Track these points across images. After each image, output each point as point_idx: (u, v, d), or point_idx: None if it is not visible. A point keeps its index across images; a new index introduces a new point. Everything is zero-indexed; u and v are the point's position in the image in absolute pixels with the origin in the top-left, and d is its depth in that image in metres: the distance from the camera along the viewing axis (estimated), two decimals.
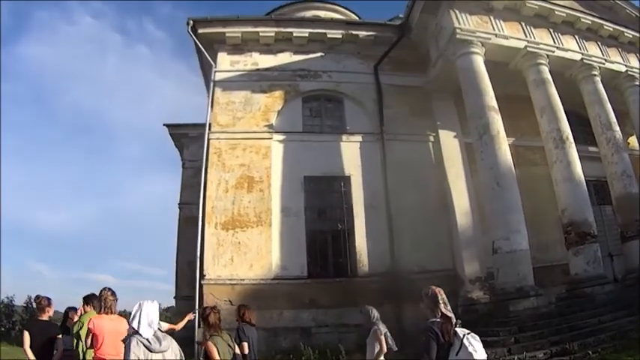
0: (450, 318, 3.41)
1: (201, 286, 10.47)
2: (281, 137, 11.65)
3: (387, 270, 10.87)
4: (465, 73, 11.23)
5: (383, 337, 5.96)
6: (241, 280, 10.53)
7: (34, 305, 5.54)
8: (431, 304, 3.52)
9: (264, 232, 10.80)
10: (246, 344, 5.61)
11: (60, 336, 5.12)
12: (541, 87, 11.72)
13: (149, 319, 3.42)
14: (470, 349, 3.23)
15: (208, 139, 11.32)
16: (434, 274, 10.96)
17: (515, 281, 9.70)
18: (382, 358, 5.95)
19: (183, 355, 3.64)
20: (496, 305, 10.08)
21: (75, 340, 5.25)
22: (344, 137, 11.84)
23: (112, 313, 4.73)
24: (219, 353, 4.07)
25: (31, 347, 4.93)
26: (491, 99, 10.86)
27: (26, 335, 4.91)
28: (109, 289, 4.92)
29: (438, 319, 3.43)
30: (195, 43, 12.12)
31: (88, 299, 5.81)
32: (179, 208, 15.74)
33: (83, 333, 5.12)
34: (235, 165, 11.22)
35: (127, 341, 3.39)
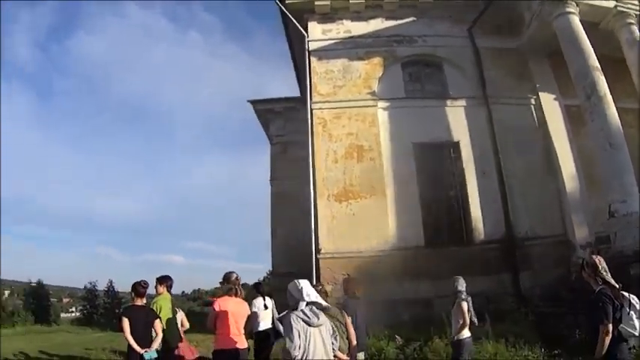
0: (614, 284, 3.75)
1: (317, 260, 10.10)
2: (385, 104, 11.26)
3: (501, 237, 10.64)
4: (565, 33, 11.00)
5: (466, 310, 5.68)
6: (359, 252, 10.18)
7: (132, 290, 5.27)
8: (592, 273, 3.83)
9: (379, 202, 10.44)
10: (349, 319, 5.20)
11: (157, 320, 5.16)
12: (634, 47, 11.62)
13: (308, 294, 3.49)
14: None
15: (311, 110, 10.87)
16: (544, 240, 10.87)
17: (632, 244, 9.44)
18: (466, 330, 5.71)
19: (334, 330, 3.75)
20: (613, 270, 9.96)
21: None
22: (448, 102, 11.50)
23: (239, 295, 4.90)
24: None
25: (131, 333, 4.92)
26: (593, 59, 10.65)
27: (126, 321, 4.86)
28: (235, 272, 5.09)
29: (605, 286, 3.74)
30: (283, 14, 11.62)
31: (162, 280, 6.09)
32: (270, 184, 15.29)
33: (164, 315, 5.55)
34: (342, 134, 10.81)
35: (286, 317, 3.46)
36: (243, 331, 4.80)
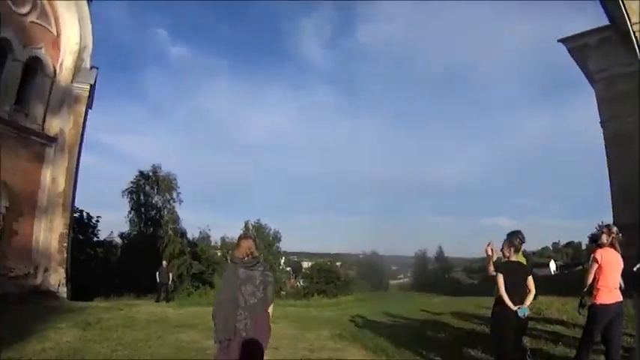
0: None
1: None
2: None
3: None
4: None
5: None
6: None
7: (508, 244, 4.95)
8: None
9: None
10: None
11: (530, 276, 4.91)
12: None
13: None
14: None
15: (634, 33, 10.05)
16: None
17: None
18: None
19: None
20: None
21: None
22: None
23: (615, 247, 4.82)
24: None
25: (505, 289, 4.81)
26: None
27: (501, 277, 4.77)
28: (609, 226, 5.04)
29: None
30: None
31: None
32: (602, 127, 13.98)
33: None
34: None
35: None
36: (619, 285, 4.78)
